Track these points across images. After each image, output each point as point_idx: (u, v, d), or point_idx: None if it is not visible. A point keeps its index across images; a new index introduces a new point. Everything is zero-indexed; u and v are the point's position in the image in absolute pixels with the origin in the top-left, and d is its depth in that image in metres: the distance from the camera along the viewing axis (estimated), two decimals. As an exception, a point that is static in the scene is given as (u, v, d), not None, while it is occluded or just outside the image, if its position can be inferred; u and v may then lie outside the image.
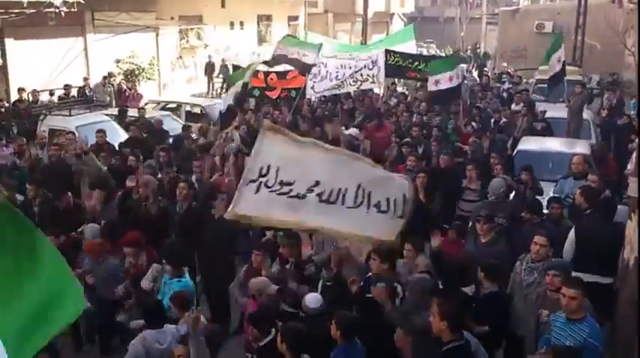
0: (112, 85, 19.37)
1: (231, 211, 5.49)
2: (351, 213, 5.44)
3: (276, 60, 14.69)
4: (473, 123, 13.32)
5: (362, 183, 5.46)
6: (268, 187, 5.33)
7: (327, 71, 13.94)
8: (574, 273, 5.91)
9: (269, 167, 5.33)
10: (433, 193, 8.97)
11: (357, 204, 5.43)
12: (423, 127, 12.68)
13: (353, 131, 12.37)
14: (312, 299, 5.52)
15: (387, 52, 14.29)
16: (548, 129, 12.86)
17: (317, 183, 5.39)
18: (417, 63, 14.63)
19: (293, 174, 5.38)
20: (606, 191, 8.44)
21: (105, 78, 19.08)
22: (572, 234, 6.99)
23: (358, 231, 5.54)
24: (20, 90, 16.35)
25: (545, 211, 7.73)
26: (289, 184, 5.35)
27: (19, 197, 8.85)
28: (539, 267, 5.92)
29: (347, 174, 5.50)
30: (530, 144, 11.61)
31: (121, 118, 13.69)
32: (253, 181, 5.36)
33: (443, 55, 33.94)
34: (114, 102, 17.83)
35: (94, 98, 16.39)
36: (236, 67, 15.86)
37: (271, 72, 14.77)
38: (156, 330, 5.38)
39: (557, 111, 14.09)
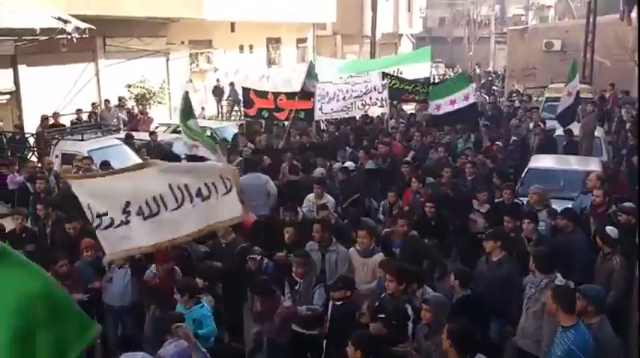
0: (119, 108, 19.37)
1: (108, 256, 5.70)
2: (181, 213, 5.29)
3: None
4: (498, 142, 13.39)
5: (171, 182, 5.30)
6: (99, 227, 5.36)
7: (334, 93, 13.87)
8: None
9: (88, 206, 5.34)
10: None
11: (180, 203, 5.27)
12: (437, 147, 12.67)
13: (348, 164, 11.53)
14: None
15: (385, 75, 14.38)
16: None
17: (128, 204, 5.28)
18: (413, 85, 14.79)
19: (104, 205, 5.33)
20: (612, 206, 8.38)
21: (107, 101, 19.12)
22: None
23: (200, 226, 5.37)
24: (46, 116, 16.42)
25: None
26: (105, 214, 5.30)
27: (31, 225, 8.88)
28: (536, 282, 6.06)
29: (154, 181, 5.36)
30: (541, 162, 11.56)
31: (127, 143, 13.70)
32: (98, 226, 5.39)
33: (452, 74, 34.11)
34: (122, 125, 17.95)
35: (100, 123, 16.48)
36: (245, 90, 15.66)
37: (281, 93, 14.78)
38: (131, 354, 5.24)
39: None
